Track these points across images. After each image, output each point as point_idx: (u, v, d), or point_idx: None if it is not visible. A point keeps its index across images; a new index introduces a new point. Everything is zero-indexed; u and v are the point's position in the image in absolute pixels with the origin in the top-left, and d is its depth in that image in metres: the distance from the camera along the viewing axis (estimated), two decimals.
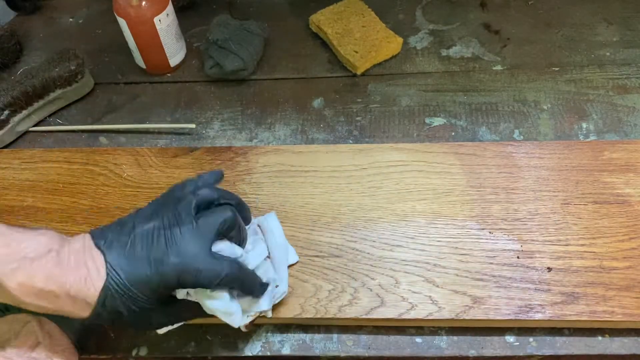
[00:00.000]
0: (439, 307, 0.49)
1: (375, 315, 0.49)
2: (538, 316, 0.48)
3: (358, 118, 0.68)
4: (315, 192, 0.58)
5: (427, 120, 0.67)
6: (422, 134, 0.66)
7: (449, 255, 0.52)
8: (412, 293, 0.50)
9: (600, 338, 0.49)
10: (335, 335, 0.51)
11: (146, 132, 0.69)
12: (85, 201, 0.59)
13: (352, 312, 0.49)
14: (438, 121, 0.67)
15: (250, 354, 0.51)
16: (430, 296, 0.50)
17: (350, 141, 0.66)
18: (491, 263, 0.51)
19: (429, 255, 0.52)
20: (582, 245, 0.52)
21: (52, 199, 0.59)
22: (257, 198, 0.58)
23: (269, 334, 0.52)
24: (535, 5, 0.79)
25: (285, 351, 0.51)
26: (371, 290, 0.50)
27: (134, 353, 0.51)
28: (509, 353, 0.49)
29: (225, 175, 0.58)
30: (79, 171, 0.62)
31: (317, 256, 0.53)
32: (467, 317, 0.48)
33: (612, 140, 0.61)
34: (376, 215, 0.55)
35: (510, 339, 0.50)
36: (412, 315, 0.49)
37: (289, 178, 0.59)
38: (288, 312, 0.50)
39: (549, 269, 0.51)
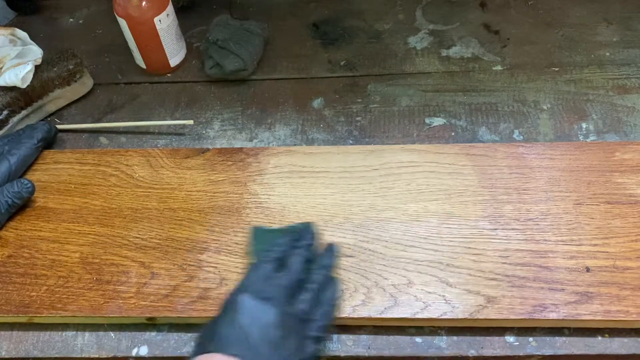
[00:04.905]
0: (453, 307, 0.49)
1: (389, 314, 0.49)
2: (552, 315, 0.48)
3: (358, 118, 0.68)
4: (326, 192, 0.58)
5: (427, 121, 0.67)
6: (422, 134, 0.66)
7: (462, 255, 0.52)
8: (425, 293, 0.50)
9: (600, 338, 0.49)
10: (335, 335, 0.51)
11: (146, 132, 0.69)
12: (96, 202, 0.59)
13: (365, 312, 0.49)
14: (438, 121, 0.67)
15: None
16: (444, 296, 0.50)
17: (350, 141, 0.66)
18: (504, 263, 0.51)
19: (442, 255, 0.52)
20: (595, 245, 0.52)
21: (64, 200, 0.60)
22: (268, 199, 0.58)
23: None
24: (535, 5, 0.79)
25: None
26: (384, 290, 0.50)
27: (134, 353, 0.51)
28: (508, 353, 0.49)
29: (236, 176, 0.60)
30: (91, 172, 0.62)
31: None
32: (481, 317, 0.48)
33: (624, 142, 0.61)
34: (388, 216, 0.55)
35: (510, 339, 0.50)
36: (425, 314, 0.49)
37: (300, 179, 0.59)
38: None
39: (568, 269, 0.51)
